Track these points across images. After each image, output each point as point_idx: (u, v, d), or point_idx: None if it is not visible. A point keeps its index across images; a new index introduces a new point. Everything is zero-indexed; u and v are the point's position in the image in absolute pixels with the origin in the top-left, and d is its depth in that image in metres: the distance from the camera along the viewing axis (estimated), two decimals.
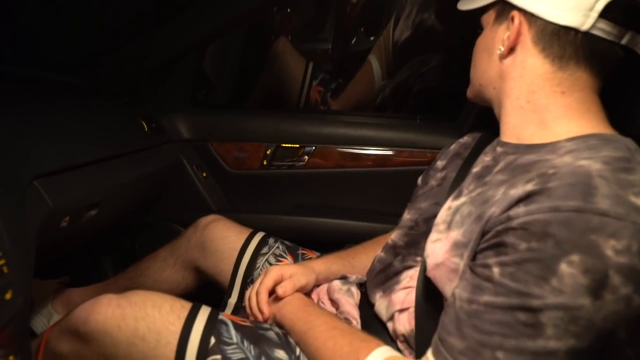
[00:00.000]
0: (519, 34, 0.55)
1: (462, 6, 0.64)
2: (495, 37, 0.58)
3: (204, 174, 1.14)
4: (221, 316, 0.63)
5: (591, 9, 0.50)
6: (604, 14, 0.50)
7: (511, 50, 0.56)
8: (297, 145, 1.09)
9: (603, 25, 0.51)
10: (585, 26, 0.51)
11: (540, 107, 0.54)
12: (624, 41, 0.52)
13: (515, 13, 0.55)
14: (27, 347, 0.56)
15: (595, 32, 0.51)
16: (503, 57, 0.57)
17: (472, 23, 0.63)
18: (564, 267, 0.42)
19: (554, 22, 0.52)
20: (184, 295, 0.76)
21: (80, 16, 0.94)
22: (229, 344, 0.59)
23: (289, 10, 1.85)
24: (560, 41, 0.52)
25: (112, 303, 0.60)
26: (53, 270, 0.97)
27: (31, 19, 0.88)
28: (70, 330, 0.61)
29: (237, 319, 0.64)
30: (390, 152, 1.06)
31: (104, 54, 1.03)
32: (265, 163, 1.10)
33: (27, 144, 0.65)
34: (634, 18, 0.51)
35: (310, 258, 0.86)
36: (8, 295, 0.50)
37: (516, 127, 0.56)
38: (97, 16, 0.96)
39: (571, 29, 0.51)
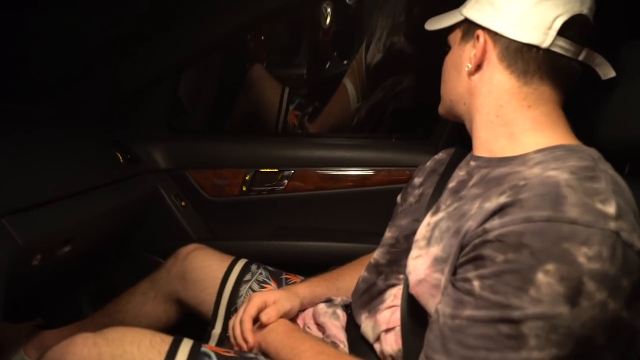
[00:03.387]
0: (484, 51, 0.57)
1: (430, 26, 0.67)
2: (463, 55, 0.60)
3: (183, 203, 1.12)
4: (204, 348, 0.61)
5: (550, 27, 0.53)
6: (562, 32, 0.53)
7: (478, 67, 0.58)
8: (276, 170, 1.09)
9: (561, 42, 0.54)
10: (545, 44, 0.54)
11: (509, 120, 0.56)
12: (581, 57, 0.55)
13: (480, 32, 0.57)
14: None
15: (554, 49, 0.54)
16: (471, 73, 0.59)
17: (441, 42, 0.66)
18: (540, 277, 0.42)
19: (516, 40, 0.55)
20: (167, 328, 0.74)
21: (51, 46, 0.93)
22: None
23: (262, 37, 1.88)
24: (523, 58, 0.55)
25: (88, 342, 0.57)
26: (25, 312, 0.92)
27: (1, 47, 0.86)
28: None
29: (221, 350, 0.62)
30: (368, 172, 1.08)
31: (75, 82, 1.02)
32: (244, 189, 1.09)
33: None
34: (588, 36, 0.55)
35: (294, 282, 0.85)
36: None
37: (488, 141, 0.58)
38: (68, 46, 0.95)
39: (533, 46, 0.54)
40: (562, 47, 0.54)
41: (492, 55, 0.57)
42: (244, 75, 1.66)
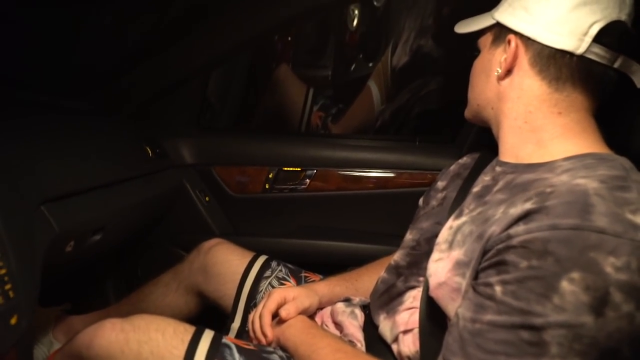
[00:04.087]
0: (515, 56, 0.56)
1: (460, 29, 0.67)
2: (493, 59, 0.60)
3: (207, 198, 1.14)
4: (224, 339, 0.62)
5: (585, 33, 0.52)
6: (598, 39, 0.52)
7: (508, 72, 0.57)
8: (299, 169, 1.10)
9: (597, 49, 0.53)
10: (579, 50, 0.53)
11: (538, 127, 0.55)
12: (616, 65, 0.54)
13: (512, 36, 0.57)
14: None
15: (589, 55, 0.53)
16: (500, 78, 0.58)
17: (470, 46, 0.65)
18: (565, 285, 0.42)
19: (550, 46, 0.54)
20: (188, 320, 0.75)
21: (88, 42, 0.97)
22: None
23: (289, 38, 1.90)
24: (556, 64, 0.54)
25: (116, 327, 0.60)
26: (54, 297, 0.96)
27: (40, 46, 0.90)
28: (74, 356, 0.61)
29: (241, 342, 0.64)
30: (390, 174, 1.07)
31: (110, 79, 1.06)
32: (267, 187, 1.11)
33: (35, 169, 0.66)
34: (625, 43, 0.53)
35: (313, 281, 0.85)
36: (13, 320, 0.50)
37: (514, 147, 0.58)
38: (101, 40, 0.99)
39: (567, 52, 0.53)
40: (598, 54, 0.53)
41: (524, 60, 0.56)
42: (270, 75, 1.68)
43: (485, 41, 0.62)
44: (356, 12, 1.81)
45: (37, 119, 0.80)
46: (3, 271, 0.50)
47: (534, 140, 0.56)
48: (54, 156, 0.72)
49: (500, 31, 0.59)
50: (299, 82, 1.66)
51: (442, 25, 1.33)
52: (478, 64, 0.64)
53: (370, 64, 1.79)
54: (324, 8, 1.10)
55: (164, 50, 1.04)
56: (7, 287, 0.51)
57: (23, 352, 0.53)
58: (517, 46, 0.56)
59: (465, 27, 0.65)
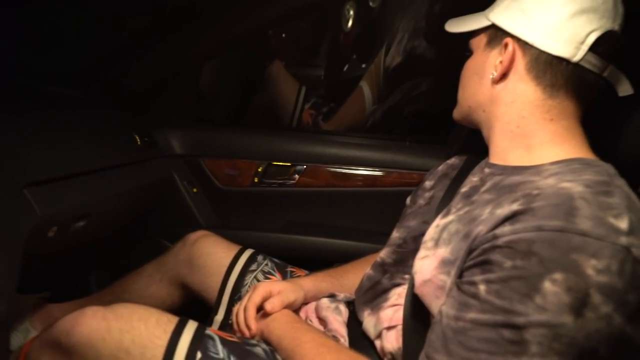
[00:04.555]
0: (512, 60, 0.56)
1: (451, 28, 0.66)
2: (487, 61, 0.59)
3: (195, 190, 1.13)
4: (208, 331, 0.62)
5: (582, 42, 0.53)
6: (593, 48, 0.53)
7: (503, 75, 0.57)
8: (289, 164, 1.10)
9: (591, 58, 0.53)
10: (576, 58, 0.53)
11: (529, 132, 0.56)
12: (605, 74, 0.55)
13: (509, 40, 0.56)
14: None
15: (584, 64, 0.54)
16: (495, 82, 0.58)
17: (462, 47, 0.65)
18: (547, 285, 0.43)
19: (547, 52, 0.54)
20: (170, 311, 0.74)
21: (80, 30, 0.96)
22: (216, 359, 0.58)
23: (284, 35, 1.90)
24: (552, 70, 0.54)
25: (98, 315, 0.59)
26: (33, 284, 0.94)
27: (33, 32, 0.89)
28: (53, 343, 0.59)
29: (224, 335, 0.63)
30: (379, 173, 1.08)
31: (101, 67, 1.04)
32: (256, 180, 1.10)
33: (20, 152, 0.65)
34: (616, 53, 0.55)
35: (299, 276, 0.85)
36: None
37: (505, 150, 0.58)
38: (97, 30, 0.98)
39: (563, 59, 0.54)
40: (591, 62, 0.54)
41: (520, 65, 0.56)
42: (263, 71, 1.68)
43: (478, 42, 0.62)
44: (351, 12, 1.81)
45: (26, 104, 0.78)
46: None
47: (524, 144, 0.56)
48: (40, 140, 0.70)
49: (496, 33, 0.59)
50: (291, 79, 1.65)
51: (435, 26, 1.34)
52: (470, 65, 0.63)
53: (364, 65, 1.80)
54: (317, 6, 1.10)
55: (159, 42, 1.03)
56: None
57: (1, 336, 0.51)
58: (514, 50, 0.56)
59: (457, 26, 0.65)
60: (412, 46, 1.39)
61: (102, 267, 1.14)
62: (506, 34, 0.57)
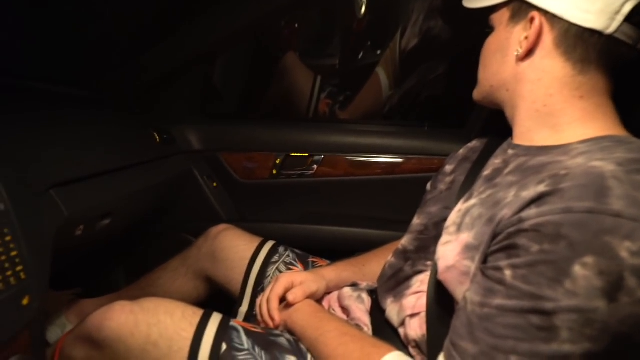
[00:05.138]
0: (539, 35, 0.53)
1: (470, 4, 0.62)
2: (511, 37, 0.56)
3: (214, 184, 1.15)
4: (232, 323, 0.63)
5: (617, 12, 0.49)
6: (628, 18, 0.49)
7: (529, 52, 0.54)
8: (306, 155, 1.09)
9: (626, 29, 0.50)
10: (610, 29, 0.50)
11: (557, 111, 0.53)
12: None
13: (535, 14, 0.53)
14: (42, 353, 0.57)
15: (618, 35, 0.50)
16: (520, 59, 0.55)
17: (480, 26, 0.62)
18: (577, 269, 0.41)
19: (578, 25, 0.51)
20: (196, 304, 0.76)
21: (92, 30, 0.97)
22: (241, 350, 0.59)
23: (296, 25, 1.88)
24: (584, 44, 0.51)
25: (126, 310, 0.60)
26: (66, 282, 0.98)
27: (44, 34, 0.91)
28: (85, 337, 0.62)
29: (249, 326, 0.64)
30: (398, 160, 1.07)
31: (116, 67, 1.06)
32: (274, 172, 1.11)
33: (43, 154, 0.67)
34: None
35: (320, 266, 0.86)
36: (25, 301, 0.51)
37: (530, 130, 0.56)
38: (109, 30, 0.99)
39: (596, 32, 0.50)
40: (626, 33, 0.50)
41: (548, 39, 0.52)
42: (277, 63, 1.67)
43: (500, 17, 0.58)
44: None
45: (44, 107, 0.81)
46: (14, 253, 0.51)
47: (551, 124, 0.54)
48: (62, 142, 0.72)
49: (520, 7, 0.55)
50: (306, 70, 1.64)
51: (451, 5, 1.29)
52: (492, 42, 0.59)
53: (379, 52, 1.77)
54: None
55: (169, 37, 1.03)
56: (19, 268, 0.51)
57: (36, 332, 0.53)
58: (541, 24, 0.52)
59: (476, 1, 0.61)
60: (428, 27, 1.35)
61: (130, 263, 1.17)
62: (532, 7, 0.53)
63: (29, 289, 0.52)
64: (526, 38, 0.54)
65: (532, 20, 0.53)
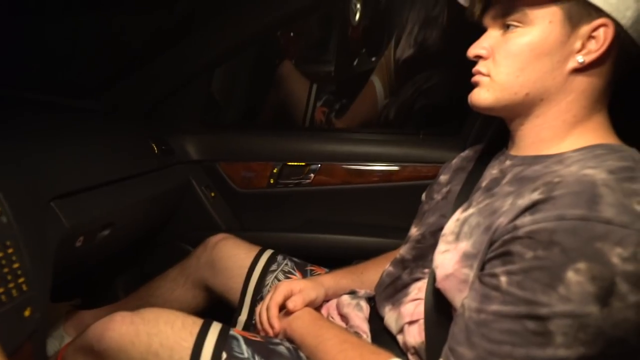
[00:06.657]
0: (609, 47, 0.47)
1: None
2: (567, 42, 0.49)
3: (213, 194, 1.15)
4: (232, 332, 0.63)
5: None
6: None
7: (591, 63, 0.48)
8: (303, 164, 1.10)
9: None
10: None
11: (579, 121, 0.51)
12: None
13: (606, 21, 0.47)
14: None
15: None
16: (577, 69, 0.49)
17: (475, 37, 0.59)
18: (570, 275, 0.42)
19: (637, 44, 0.47)
20: (195, 313, 0.76)
21: (93, 44, 0.98)
22: (241, 359, 0.59)
23: (292, 34, 1.90)
24: (631, 62, 0.48)
25: (126, 320, 0.61)
26: (65, 293, 0.98)
27: (48, 48, 0.92)
28: (85, 348, 0.62)
29: (248, 334, 0.65)
30: (395, 168, 1.08)
31: (115, 79, 1.07)
32: (272, 181, 1.11)
33: (43, 167, 0.67)
34: None
35: (318, 274, 0.86)
36: (27, 312, 0.51)
37: (542, 141, 0.53)
38: (109, 44, 1.00)
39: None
40: None
41: (613, 52, 0.47)
42: (273, 72, 1.69)
43: (545, 14, 0.49)
44: (358, 6, 1.80)
45: (44, 119, 0.81)
46: (17, 265, 0.52)
47: (567, 133, 0.51)
48: (62, 154, 0.73)
49: (583, 8, 0.48)
50: (302, 78, 1.66)
51: (447, 15, 1.31)
52: (535, 44, 0.50)
53: (373, 59, 1.79)
54: (325, 2, 1.10)
55: (168, 49, 1.05)
56: (21, 280, 0.52)
57: (37, 344, 0.54)
58: (614, 35, 0.47)
59: None
60: (423, 37, 1.37)
61: (129, 273, 1.17)
62: (601, 12, 0.47)
63: (30, 300, 0.52)
64: (596, 49, 0.47)
65: (599, 27, 0.47)
